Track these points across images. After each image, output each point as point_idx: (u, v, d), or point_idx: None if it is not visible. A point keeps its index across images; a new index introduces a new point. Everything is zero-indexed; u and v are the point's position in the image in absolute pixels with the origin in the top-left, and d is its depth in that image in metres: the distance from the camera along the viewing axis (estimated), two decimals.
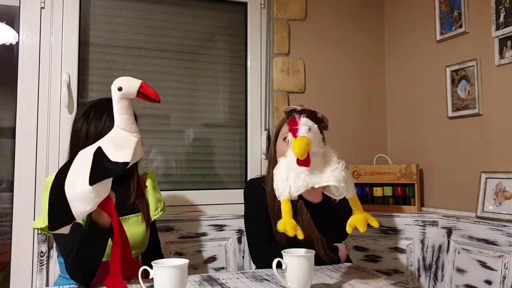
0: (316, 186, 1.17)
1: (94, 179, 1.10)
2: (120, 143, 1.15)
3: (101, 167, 1.12)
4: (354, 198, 1.21)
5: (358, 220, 1.18)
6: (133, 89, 1.14)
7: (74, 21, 2.06)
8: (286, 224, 1.14)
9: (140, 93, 1.15)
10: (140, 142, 1.18)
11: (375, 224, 1.18)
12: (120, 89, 1.14)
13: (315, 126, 1.18)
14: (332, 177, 1.16)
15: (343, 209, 1.26)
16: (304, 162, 1.14)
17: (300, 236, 1.14)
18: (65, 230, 1.14)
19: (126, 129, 1.16)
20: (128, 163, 1.13)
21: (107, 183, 1.14)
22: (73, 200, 1.11)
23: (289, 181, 1.18)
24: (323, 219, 1.38)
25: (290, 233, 1.14)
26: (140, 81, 1.15)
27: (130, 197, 1.50)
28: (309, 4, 2.47)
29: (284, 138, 1.63)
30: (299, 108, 1.61)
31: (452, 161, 2.14)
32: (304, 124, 1.14)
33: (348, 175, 1.20)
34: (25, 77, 1.97)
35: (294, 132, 1.14)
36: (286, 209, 1.17)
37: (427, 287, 2.00)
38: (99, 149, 1.14)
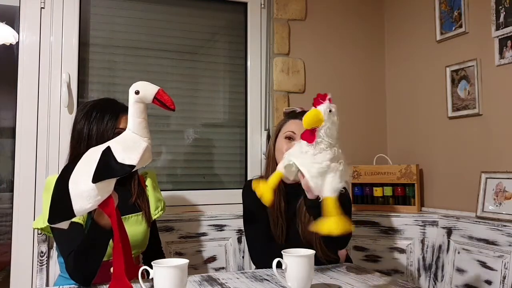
0: (295, 162, 1.19)
1: (97, 177, 1.11)
2: (129, 146, 1.15)
3: (107, 167, 1.12)
4: (330, 201, 1.16)
5: (331, 224, 1.14)
6: (149, 94, 1.16)
7: (74, 21, 2.06)
8: (260, 186, 1.17)
9: (156, 99, 1.16)
10: (150, 147, 1.18)
11: (350, 228, 1.17)
12: (137, 92, 1.15)
13: (335, 118, 1.19)
14: (307, 167, 1.17)
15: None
16: (307, 135, 1.17)
17: (267, 201, 1.16)
18: (64, 225, 1.15)
19: (138, 133, 1.17)
20: (134, 166, 1.14)
21: (110, 183, 1.14)
22: (75, 196, 1.12)
23: (287, 158, 1.20)
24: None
25: (258, 193, 1.16)
26: (158, 87, 1.17)
27: (132, 197, 1.50)
28: (309, 4, 2.47)
29: (286, 137, 1.62)
30: (298, 109, 1.63)
31: (452, 161, 2.14)
32: (328, 103, 1.17)
33: (331, 179, 1.17)
34: (25, 77, 1.97)
35: (316, 103, 1.17)
36: (272, 178, 1.19)
37: (427, 287, 2.00)
38: (108, 149, 1.15)
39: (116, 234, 1.17)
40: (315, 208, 1.30)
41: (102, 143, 1.20)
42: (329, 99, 1.19)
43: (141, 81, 1.18)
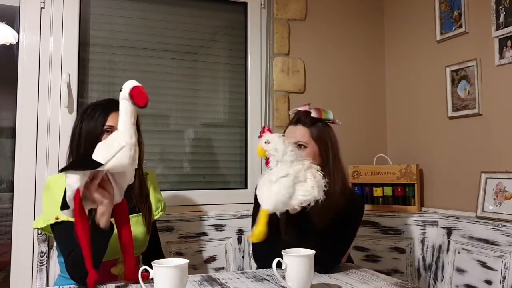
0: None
1: (64, 168, 1.14)
2: (109, 144, 1.16)
3: (78, 159, 1.17)
4: (262, 212, 1.27)
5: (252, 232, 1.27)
6: (126, 89, 1.15)
7: (74, 21, 2.06)
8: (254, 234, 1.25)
9: (130, 96, 1.15)
10: (129, 146, 1.15)
11: (252, 238, 1.27)
12: (121, 90, 1.16)
13: (277, 141, 1.31)
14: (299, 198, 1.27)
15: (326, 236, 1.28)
16: (267, 163, 1.33)
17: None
18: (67, 213, 1.17)
19: (123, 131, 1.16)
20: (100, 164, 1.13)
21: (77, 175, 1.14)
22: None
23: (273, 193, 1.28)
24: (301, 236, 1.37)
25: (253, 239, 1.25)
26: (137, 84, 1.15)
27: (133, 198, 1.50)
28: (309, 4, 2.47)
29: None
30: (302, 108, 1.61)
31: (452, 161, 2.14)
32: (264, 137, 1.32)
33: (267, 192, 1.28)
34: (25, 77, 1.97)
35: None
36: (262, 219, 1.26)
37: (427, 287, 2.00)
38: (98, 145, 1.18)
39: (76, 224, 1.16)
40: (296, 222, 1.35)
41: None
42: (269, 130, 1.35)
43: (131, 80, 1.17)
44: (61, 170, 1.14)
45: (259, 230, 1.24)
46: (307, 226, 1.37)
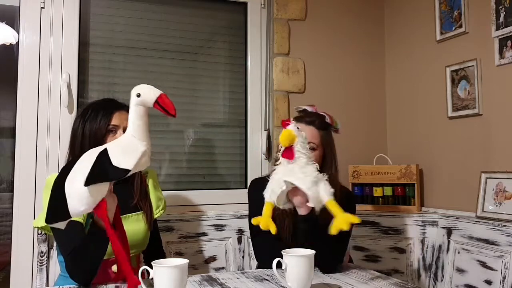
0: (287, 180, 1.24)
1: (90, 180, 1.10)
2: (127, 150, 1.14)
3: (100, 170, 1.11)
4: (332, 203, 1.23)
5: (340, 222, 1.20)
6: (150, 98, 1.14)
7: (74, 21, 2.06)
8: (260, 220, 1.25)
9: (157, 104, 1.14)
10: (148, 152, 1.16)
11: (356, 220, 1.20)
12: (138, 95, 1.14)
13: (304, 133, 1.29)
14: (301, 180, 1.23)
15: (334, 238, 1.25)
16: (287, 153, 1.26)
17: (273, 231, 1.24)
18: (61, 225, 1.15)
19: (137, 136, 1.15)
20: (129, 170, 1.12)
21: (104, 186, 1.13)
22: (69, 197, 1.11)
23: (271, 185, 1.28)
24: (310, 237, 1.35)
25: (263, 227, 1.25)
26: (160, 92, 1.15)
27: (134, 197, 1.50)
28: (309, 4, 2.47)
29: None
30: (309, 108, 1.60)
31: (452, 161, 2.15)
32: (294, 123, 1.27)
33: (324, 186, 1.25)
34: (25, 77, 1.97)
35: (284, 125, 1.27)
36: (265, 210, 1.27)
37: (427, 287, 2.00)
38: (105, 151, 1.14)
39: (111, 236, 1.16)
40: (309, 221, 1.33)
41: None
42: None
43: (145, 84, 1.16)
44: (89, 183, 1.09)
45: (259, 218, 1.25)
46: (315, 227, 1.36)
